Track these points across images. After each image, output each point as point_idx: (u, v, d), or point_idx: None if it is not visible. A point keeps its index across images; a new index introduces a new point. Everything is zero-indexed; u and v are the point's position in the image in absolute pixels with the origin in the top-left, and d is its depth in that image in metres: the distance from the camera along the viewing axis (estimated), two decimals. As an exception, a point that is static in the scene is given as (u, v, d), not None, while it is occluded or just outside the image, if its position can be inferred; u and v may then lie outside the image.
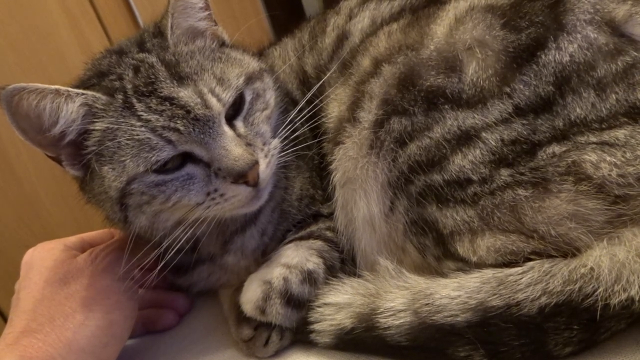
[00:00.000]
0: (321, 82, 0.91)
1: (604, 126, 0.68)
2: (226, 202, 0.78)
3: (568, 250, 0.68)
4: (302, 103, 0.90)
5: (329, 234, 0.90)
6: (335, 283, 0.82)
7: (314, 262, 0.84)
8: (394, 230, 0.80)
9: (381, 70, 0.81)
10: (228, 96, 0.79)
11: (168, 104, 0.75)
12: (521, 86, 0.71)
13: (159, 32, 0.84)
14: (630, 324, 0.64)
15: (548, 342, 0.65)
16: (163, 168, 0.76)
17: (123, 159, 0.75)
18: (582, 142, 0.68)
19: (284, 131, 0.85)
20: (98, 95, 0.77)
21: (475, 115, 0.72)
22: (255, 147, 0.80)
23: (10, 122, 0.73)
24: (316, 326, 0.79)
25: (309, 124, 0.93)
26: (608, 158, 0.66)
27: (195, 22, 0.84)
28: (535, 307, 0.65)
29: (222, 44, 0.88)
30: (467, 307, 0.68)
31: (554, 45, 0.71)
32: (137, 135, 0.74)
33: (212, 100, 0.77)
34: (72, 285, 0.81)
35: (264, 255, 0.92)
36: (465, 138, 0.72)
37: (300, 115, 0.88)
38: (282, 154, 0.85)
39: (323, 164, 0.91)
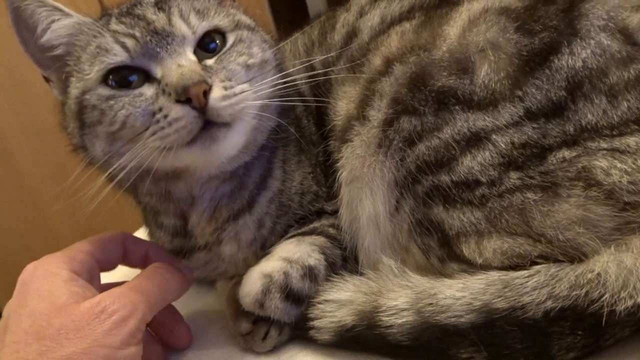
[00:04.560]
0: (328, 77, 0.91)
1: (615, 133, 0.68)
2: (170, 128, 0.72)
3: (575, 255, 0.68)
4: (307, 95, 0.89)
5: (331, 230, 0.89)
6: (337, 280, 0.81)
7: (315, 258, 0.83)
8: (398, 230, 0.80)
9: (392, 70, 0.81)
10: (200, 26, 0.79)
11: (136, 19, 0.78)
12: (533, 90, 0.70)
13: None
14: (635, 332, 0.64)
15: (552, 347, 0.64)
16: (119, 81, 0.76)
17: (84, 65, 0.78)
18: (593, 147, 0.68)
19: (273, 89, 0.82)
20: (89, 19, 0.82)
21: (486, 118, 0.72)
22: (215, 76, 0.75)
23: (15, 34, 0.81)
24: (316, 323, 0.78)
25: (314, 120, 0.93)
26: (619, 165, 0.66)
27: None
28: (541, 310, 0.64)
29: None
30: (471, 308, 0.67)
31: (567, 50, 0.71)
32: (100, 43, 0.78)
33: (178, 21, 0.78)
34: (67, 348, 0.68)
35: (263, 249, 0.90)
36: (475, 140, 0.72)
37: (306, 111, 0.87)
38: (263, 113, 0.81)
39: (329, 162, 0.90)
